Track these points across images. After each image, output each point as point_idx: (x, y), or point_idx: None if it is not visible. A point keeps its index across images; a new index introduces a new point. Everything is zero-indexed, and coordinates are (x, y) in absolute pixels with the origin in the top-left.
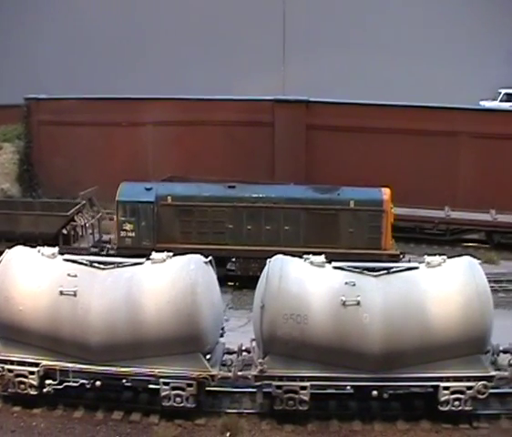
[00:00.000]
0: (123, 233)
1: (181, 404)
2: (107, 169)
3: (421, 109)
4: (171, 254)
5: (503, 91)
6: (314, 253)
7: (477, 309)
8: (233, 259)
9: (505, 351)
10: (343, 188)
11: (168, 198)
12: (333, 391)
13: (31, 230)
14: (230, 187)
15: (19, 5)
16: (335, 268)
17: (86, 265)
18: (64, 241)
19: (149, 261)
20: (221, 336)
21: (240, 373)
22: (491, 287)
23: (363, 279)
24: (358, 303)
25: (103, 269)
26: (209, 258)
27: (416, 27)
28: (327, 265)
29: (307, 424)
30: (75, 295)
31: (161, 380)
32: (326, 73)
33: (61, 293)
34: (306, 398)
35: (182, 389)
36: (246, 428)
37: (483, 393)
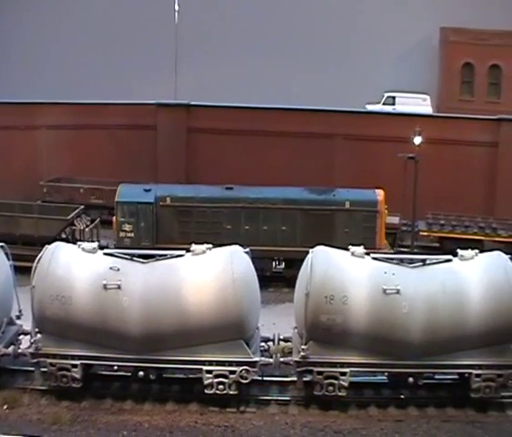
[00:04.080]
0: (122, 234)
1: None
2: (4, 171)
3: (300, 112)
4: None
5: (386, 94)
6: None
7: (232, 295)
8: None
9: (285, 340)
10: (338, 190)
11: (168, 199)
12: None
13: (30, 233)
14: (227, 188)
15: None
16: (105, 254)
17: None
18: None
19: None
20: (18, 318)
21: (20, 351)
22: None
23: (130, 265)
24: (119, 287)
25: None
26: (1, 244)
27: (306, 33)
28: (99, 251)
29: (82, 401)
30: None
31: None
32: (218, 78)
33: None
34: (78, 376)
35: None
36: (26, 402)
37: (245, 378)
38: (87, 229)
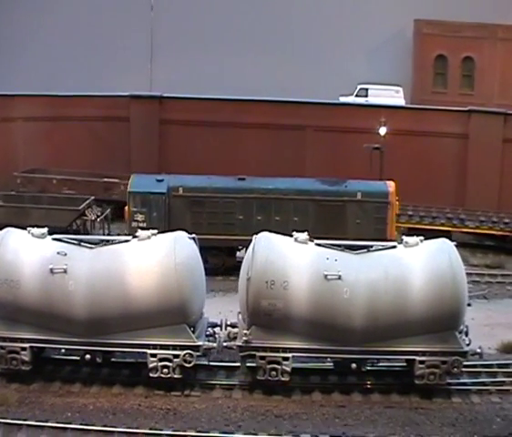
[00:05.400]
0: (134, 224)
1: None
2: None
3: (271, 104)
4: None
5: (359, 86)
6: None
7: (174, 280)
8: (243, 249)
9: (233, 326)
10: (349, 181)
11: (180, 189)
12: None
13: (41, 224)
14: (240, 179)
15: None
16: (54, 239)
17: None
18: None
19: None
20: None
21: None
22: None
23: (77, 250)
24: (65, 271)
25: None
26: None
27: (281, 25)
28: (48, 237)
29: (31, 384)
30: None
31: None
32: (193, 70)
33: None
34: (27, 358)
35: None
36: None
37: (189, 362)
38: (97, 220)
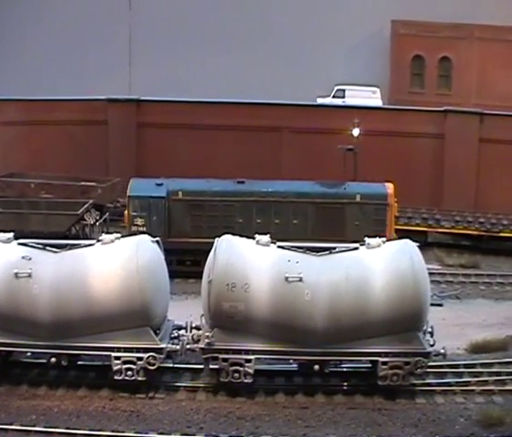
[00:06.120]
0: (134, 228)
1: None
2: None
3: (247, 105)
4: None
5: (336, 87)
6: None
7: (136, 283)
8: None
9: (198, 328)
10: (349, 183)
11: (180, 193)
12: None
13: (40, 229)
14: (239, 182)
15: None
16: (19, 243)
17: None
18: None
19: None
20: None
21: None
22: None
23: (42, 255)
24: (29, 275)
25: None
26: None
27: (258, 27)
28: (14, 242)
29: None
30: None
31: None
32: (172, 73)
33: None
34: None
35: None
36: None
37: (153, 364)
38: (96, 224)
